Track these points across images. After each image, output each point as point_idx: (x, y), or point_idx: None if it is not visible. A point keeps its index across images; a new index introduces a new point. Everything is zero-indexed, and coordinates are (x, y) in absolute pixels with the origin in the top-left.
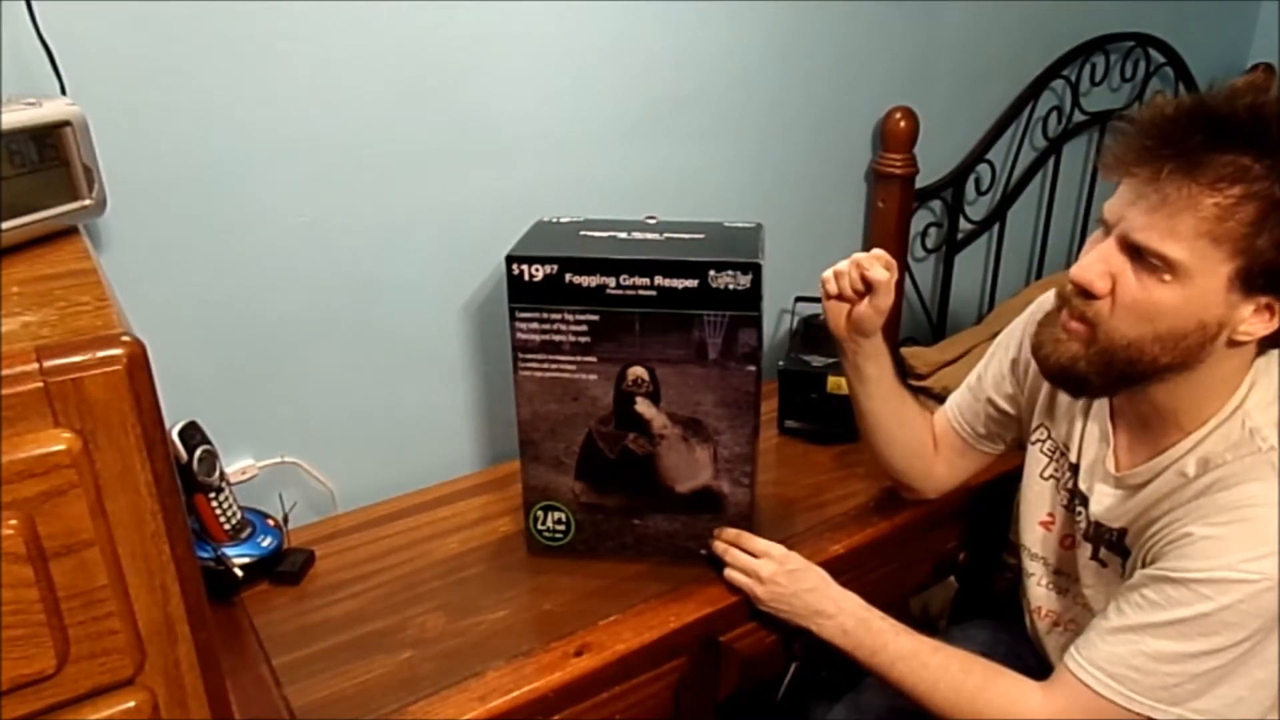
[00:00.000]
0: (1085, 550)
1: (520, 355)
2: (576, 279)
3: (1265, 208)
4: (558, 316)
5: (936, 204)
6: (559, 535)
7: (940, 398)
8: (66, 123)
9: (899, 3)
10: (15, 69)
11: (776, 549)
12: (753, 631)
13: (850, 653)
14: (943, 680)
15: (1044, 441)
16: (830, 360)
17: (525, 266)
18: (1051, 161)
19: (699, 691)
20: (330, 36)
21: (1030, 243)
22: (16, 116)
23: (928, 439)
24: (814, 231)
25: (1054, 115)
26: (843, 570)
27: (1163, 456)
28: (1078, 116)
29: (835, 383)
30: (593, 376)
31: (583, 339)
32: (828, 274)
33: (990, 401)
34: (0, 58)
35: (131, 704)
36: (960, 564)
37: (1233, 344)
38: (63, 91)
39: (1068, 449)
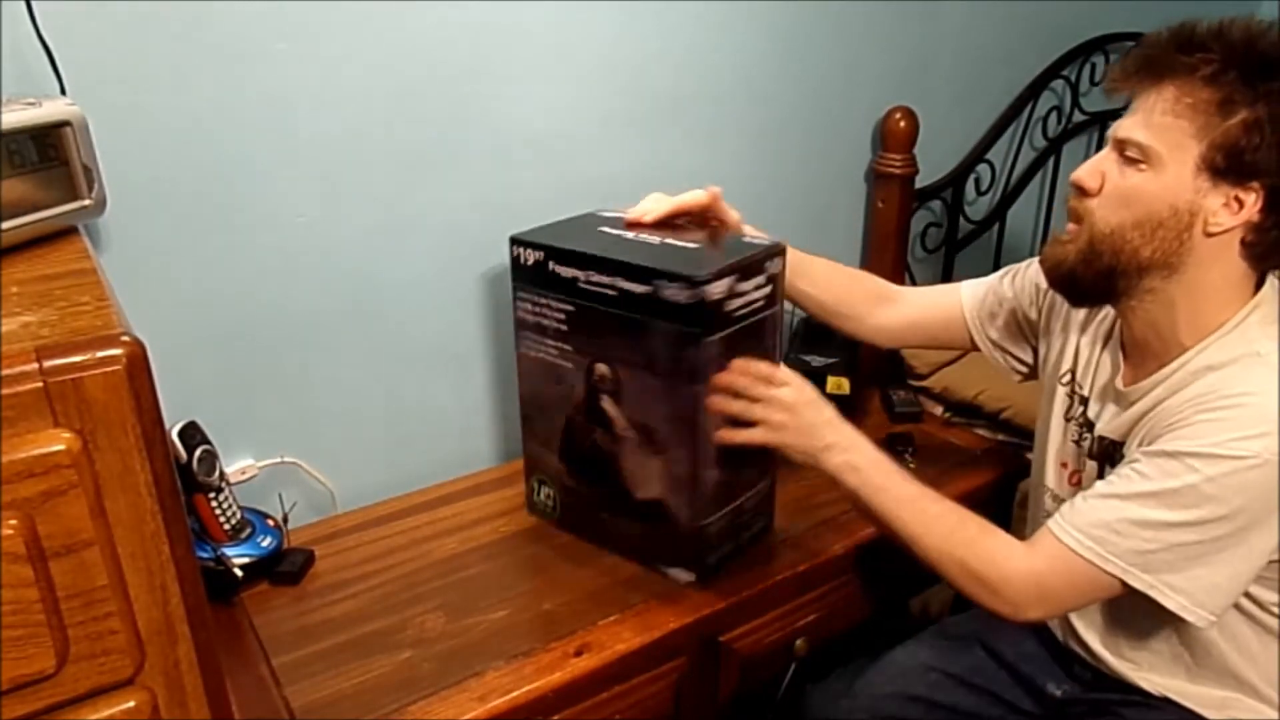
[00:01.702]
0: (1091, 470)
1: (520, 332)
2: (557, 268)
3: (1226, 92)
4: (544, 301)
5: (936, 204)
6: (549, 508)
7: (940, 398)
8: (66, 123)
9: (899, 3)
10: (15, 69)
11: (795, 376)
12: (753, 631)
13: (855, 489)
14: (938, 526)
15: (1069, 384)
16: (830, 360)
17: (522, 250)
18: (1051, 161)
19: (699, 691)
20: (330, 36)
21: (1030, 243)
22: (16, 116)
23: (875, 288)
24: (814, 231)
25: (1054, 115)
26: (843, 570)
27: (1165, 369)
28: (1078, 116)
29: (835, 382)
30: (569, 365)
31: (562, 326)
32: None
33: (1015, 310)
34: (0, 58)
35: (131, 704)
36: None
37: (1209, 235)
38: (63, 91)
39: (1082, 384)
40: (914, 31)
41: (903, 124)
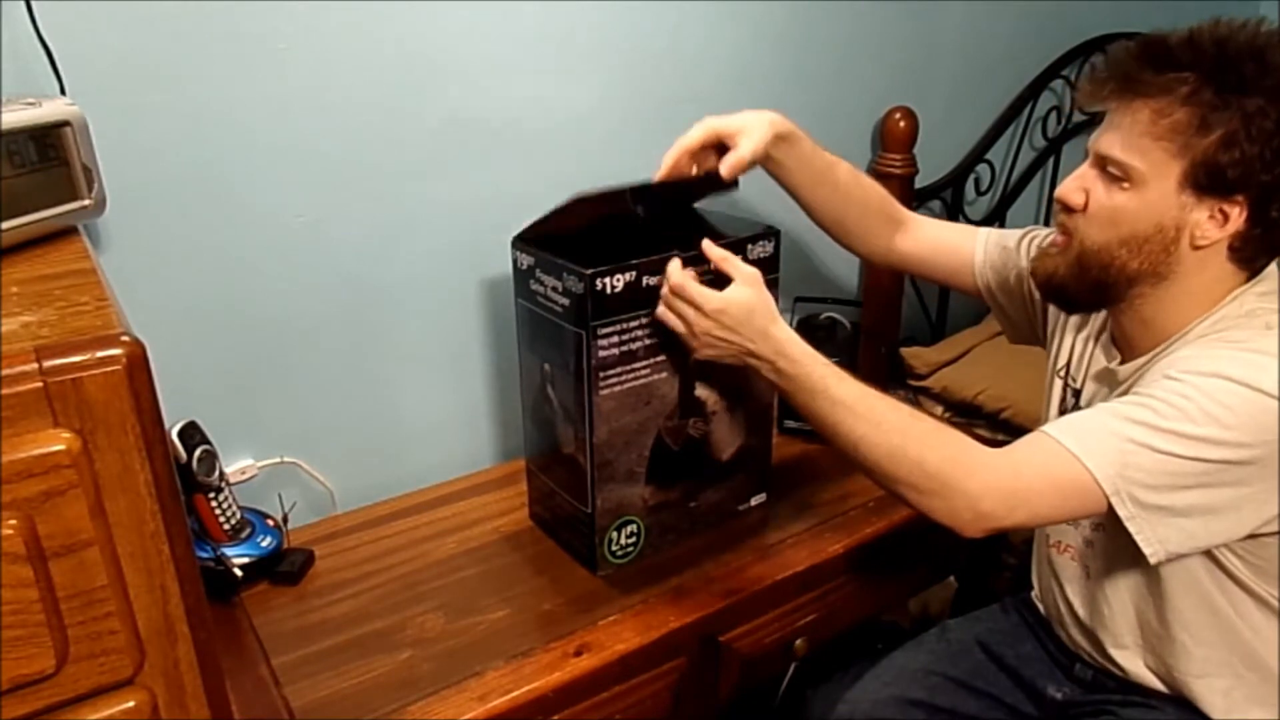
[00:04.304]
0: None
1: (599, 378)
2: (648, 280)
3: (1201, 111)
4: (631, 326)
5: (936, 204)
6: (631, 548)
7: (940, 398)
8: (66, 123)
9: (899, 3)
10: (15, 69)
11: (713, 302)
12: (753, 631)
13: (789, 394)
14: (888, 423)
15: (1064, 377)
16: (829, 360)
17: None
18: (1051, 161)
19: (699, 691)
20: (329, 36)
21: None
22: (16, 116)
23: (885, 205)
24: (814, 232)
25: (1054, 115)
26: (842, 570)
27: (1157, 349)
28: (1078, 117)
29: None
30: (663, 375)
31: (651, 340)
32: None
33: (1024, 277)
34: (0, 58)
35: (131, 704)
36: (960, 564)
37: (1196, 248)
38: (62, 91)
39: (1075, 377)
40: (914, 31)
41: (903, 124)
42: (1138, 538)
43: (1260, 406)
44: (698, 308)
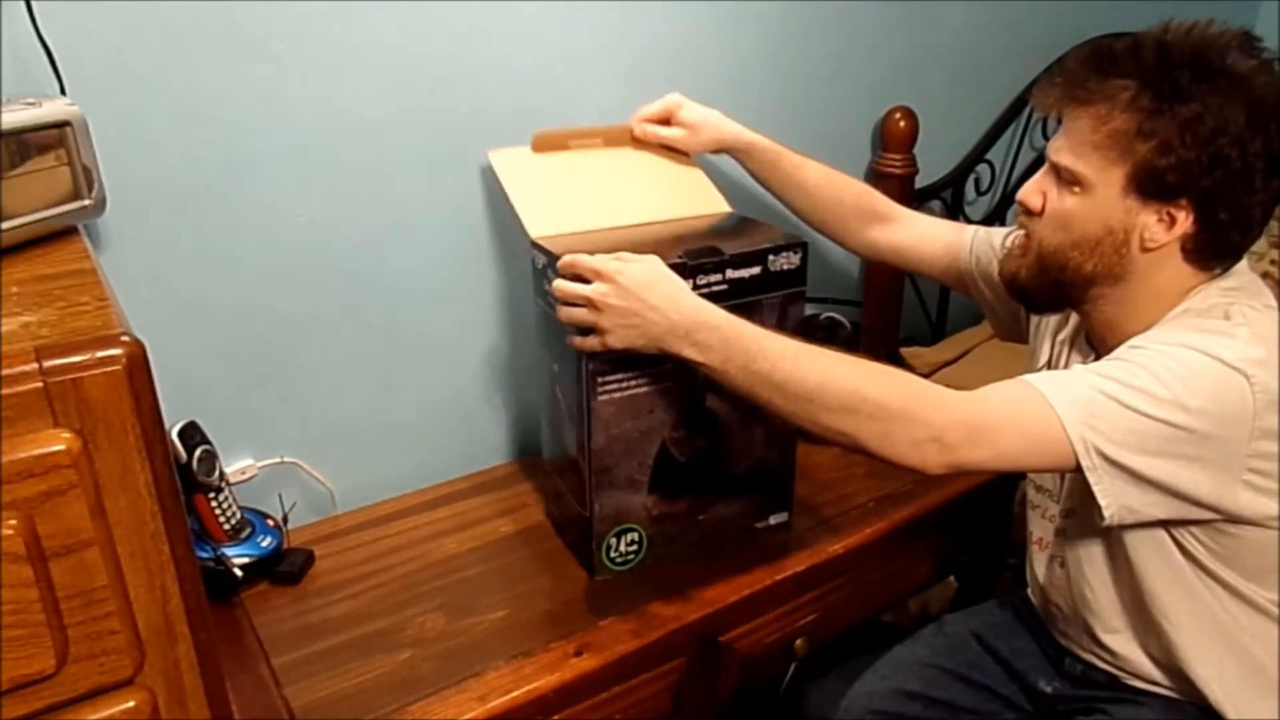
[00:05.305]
0: None
1: (596, 384)
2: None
3: (1139, 118)
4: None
5: (936, 204)
6: (631, 556)
7: None
8: (66, 123)
9: (898, 3)
10: (15, 69)
11: (609, 264)
12: (753, 631)
13: (719, 370)
14: (839, 371)
15: None
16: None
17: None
18: None
19: (699, 691)
20: (329, 36)
21: None
22: (16, 116)
23: (862, 202)
24: (813, 232)
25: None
26: (843, 570)
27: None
28: None
29: None
30: (666, 384)
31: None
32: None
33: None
34: (0, 58)
35: (131, 704)
36: (960, 564)
37: (1146, 250)
38: (62, 91)
39: None
40: (914, 31)
41: (903, 124)
42: (1095, 489)
43: (1225, 378)
44: (596, 273)
